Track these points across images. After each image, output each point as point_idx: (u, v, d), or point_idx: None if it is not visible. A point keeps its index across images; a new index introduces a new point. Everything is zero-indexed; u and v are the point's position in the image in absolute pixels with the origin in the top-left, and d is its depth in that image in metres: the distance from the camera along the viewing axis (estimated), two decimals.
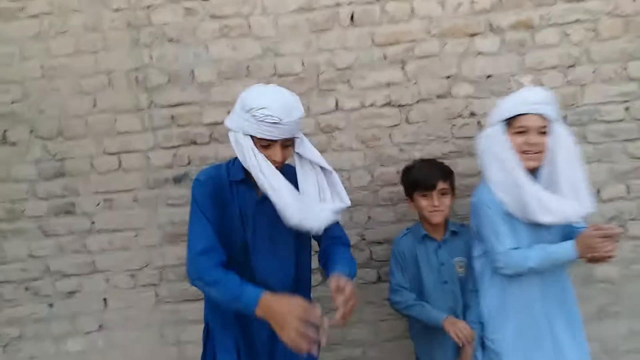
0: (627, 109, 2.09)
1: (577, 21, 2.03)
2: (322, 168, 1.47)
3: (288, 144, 1.40)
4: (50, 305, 2.18)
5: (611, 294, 2.22)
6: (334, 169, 2.01)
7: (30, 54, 2.08)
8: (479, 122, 2.10)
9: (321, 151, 2.05)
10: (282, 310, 1.19)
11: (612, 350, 2.26)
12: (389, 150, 2.13)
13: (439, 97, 2.09)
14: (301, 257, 1.53)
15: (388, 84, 2.09)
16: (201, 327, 1.59)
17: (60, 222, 2.14)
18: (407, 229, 1.91)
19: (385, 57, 2.07)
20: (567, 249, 1.52)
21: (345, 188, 2.01)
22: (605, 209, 2.16)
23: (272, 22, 2.06)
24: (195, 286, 1.36)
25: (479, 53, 2.06)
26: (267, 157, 1.34)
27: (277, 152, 1.35)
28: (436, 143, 2.11)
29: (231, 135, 1.38)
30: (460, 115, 2.10)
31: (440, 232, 1.82)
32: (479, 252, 1.72)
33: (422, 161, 1.87)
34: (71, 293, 2.17)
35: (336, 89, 2.10)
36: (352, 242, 2.07)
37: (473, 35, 2.05)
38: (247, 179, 1.43)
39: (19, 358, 2.18)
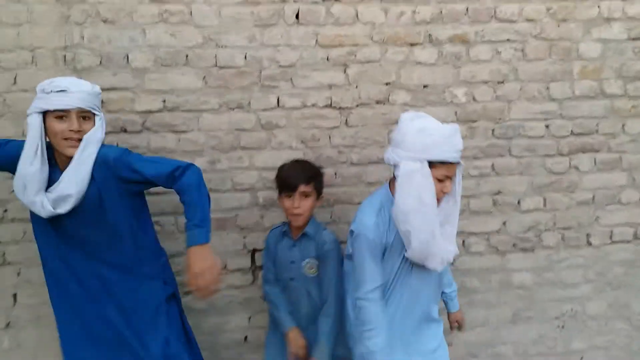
0: (547, 126, 2.33)
1: (507, 40, 2.23)
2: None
3: (85, 115, 1.56)
4: None
5: (525, 299, 2.46)
6: (273, 167, 2.11)
7: None
8: None
9: (261, 148, 2.14)
10: None
11: (523, 353, 2.50)
12: (328, 152, 2.23)
13: (377, 102, 2.21)
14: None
15: (330, 86, 2.18)
16: None
17: None
18: (282, 223, 2.02)
19: (328, 59, 2.16)
20: None
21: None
22: (523, 219, 2.40)
23: (215, 11, 2.07)
24: None
25: (418, 62, 2.21)
26: (62, 131, 1.51)
27: (72, 122, 1.52)
28: (373, 147, 2.23)
29: (29, 120, 1.54)
30: (397, 122, 2.23)
31: (299, 232, 1.92)
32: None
33: (293, 162, 1.96)
34: None
35: (278, 86, 2.16)
36: None
37: (413, 45, 2.19)
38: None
39: None
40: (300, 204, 1.83)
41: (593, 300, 2.49)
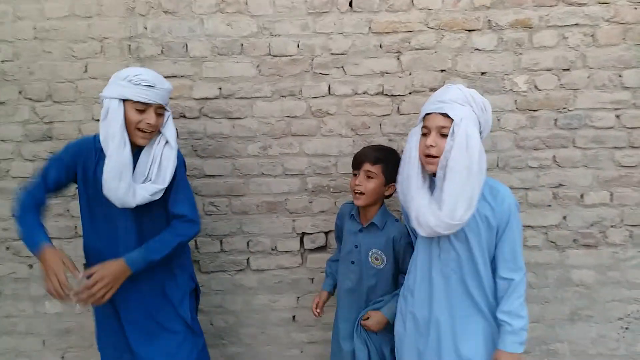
0: (618, 116, 2.29)
1: (576, 25, 2.19)
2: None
3: (160, 112, 1.71)
4: (30, 266, 2.41)
5: (585, 298, 2.48)
6: (323, 154, 2.26)
7: (24, 14, 2.25)
8: None
9: (310, 135, 2.30)
10: (49, 263, 1.54)
11: (582, 353, 2.54)
12: (378, 140, 2.33)
13: (432, 90, 2.27)
14: (146, 231, 1.79)
15: (382, 73, 2.27)
16: None
17: None
18: (352, 201, 2.01)
19: (381, 46, 2.25)
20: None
21: (331, 174, 2.28)
22: (587, 214, 2.40)
23: (270, 1, 2.22)
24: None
25: (475, 49, 2.23)
26: (140, 122, 1.66)
27: (151, 116, 1.67)
28: None
29: (105, 103, 1.65)
30: None
31: (367, 218, 1.95)
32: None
33: (373, 145, 2.05)
34: None
35: (330, 74, 2.28)
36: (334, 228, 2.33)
37: (471, 30, 2.22)
38: None
39: None
40: (363, 183, 1.86)
41: None
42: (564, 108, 2.26)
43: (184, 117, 2.30)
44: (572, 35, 2.19)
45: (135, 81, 1.63)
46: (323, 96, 2.28)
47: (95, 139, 1.73)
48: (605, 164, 2.31)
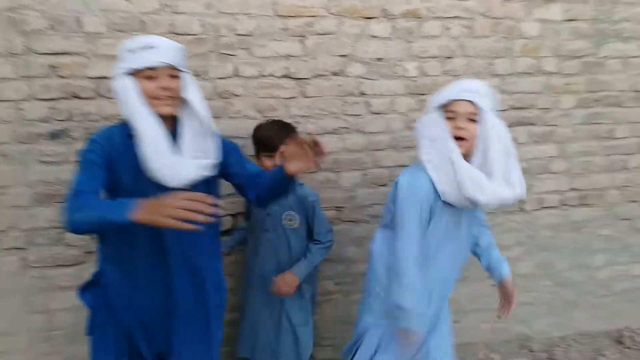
0: None
1: (456, 17, 2.51)
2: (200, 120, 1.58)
3: (175, 74, 1.53)
4: None
5: None
6: (231, 136, 2.30)
7: None
8: (367, 102, 2.51)
9: (217, 117, 2.32)
10: (160, 199, 1.27)
11: (459, 310, 2.91)
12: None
13: (334, 74, 2.44)
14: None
15: (287, 56, 2.37)
16: (72, 293, 1.78)
17: None
18: None
19: (286, 29, 2.36)
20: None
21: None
22: None
23: None
24: (71, 230, 1.39)
25: (373, 36, 2.45)
26: (152, 90, 1.49)
27: (164, 79, 1.49)
28: (328, 118, 2.46)
29: (116, 84, 1.50)
30: (351, 94, 2.49)
31: None
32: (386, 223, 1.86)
33: (272, 122, 2.11)
34: None
35: (236, 55, 2.33)
36: (242, 210, 2.40)
37: (368, 18, 2.42)
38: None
39: None
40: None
41: (523, 260, 2.95)
42: None
43: (78, 97, 2.18)
44: (454, 26, 2.50)
45: (133, 49, 1.49)
46: (229, 77, 2.32)
47: (121, 126, 1.56)
48: None
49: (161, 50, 1.50)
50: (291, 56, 2.34)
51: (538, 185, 2.81)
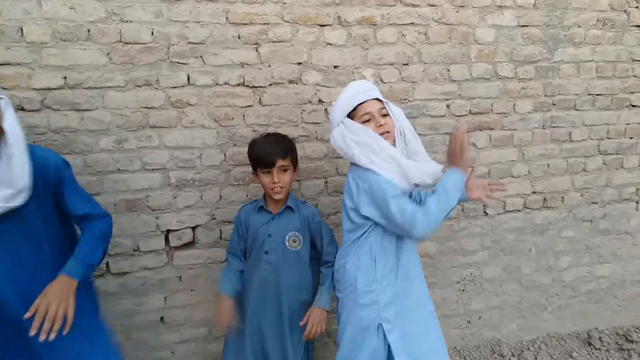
0: (448, 106, 2.71)
1: (412, 24, 2.53)
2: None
3: None
4: None
5: (430, 267, 2.88)
6: (185, 147, 2.27)
7: None
8: (326, 110, 2.50)
9: (171, 127, 2.28)
10: None
11: None
12: (242, 131, 2.41)
13: (290, 82, 2.43)
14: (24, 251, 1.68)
15: (242, 64, 2.35)
16: None
17: None
18: (255, 200, 2.21)
19: (239, 37, 2.34)
20: (455, 176, 1.81)
21: (195, 167, 2.30)
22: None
23: None
24: None
25: (328, 44, 2.45)
26: None
27: None
28: (287, 126, 2.44)
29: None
30: (309, 102, 2.48)
31: (278, 205, 2.09)
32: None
33: (266, 136, 2.08)
34: None
35: (188, 64, 2.29)
36: (202, 222, 2.35)
37: (323, 25, 2.42)
38: None
39: None
40: (280, 179, 1.98)
41: (489, 265, 2.98)
42: (405, 99, 2.60)
43: (22, 109, 2.12)
44: (409, 33, 2.53)
45: None
46: (182, 86, 2.28)
47: None
48: (440, 148, 2.71)
49: None
50: (246, 64, 2.32)
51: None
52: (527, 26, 2.68)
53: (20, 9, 2.04)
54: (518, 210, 2.92)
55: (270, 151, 1.97)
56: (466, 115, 2.69)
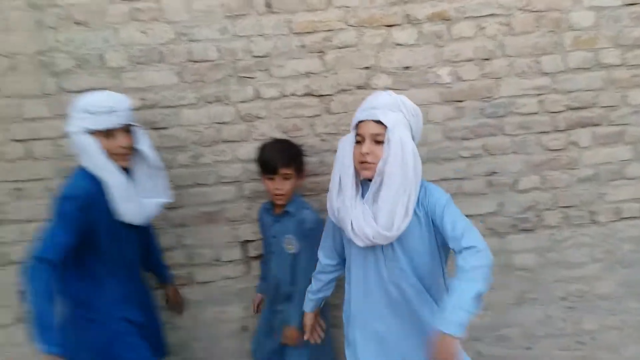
0: (540, 102, 2.44)
1: (491, 15, 2.31)
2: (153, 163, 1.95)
3: (128, 130, 1.82)
4: None
5: (528, 281, 2.63)
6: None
7: None
8: None
9: (242, 140, 2.35)
10: None
11: (531, 335, 2.69)
12: (311, 141, 2.39)
13: (358, 87, 2.37)
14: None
15: (307, 74, 2.33)
16: None
17: None
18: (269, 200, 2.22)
19: (303, 46, 2.33)
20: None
21: None
22: (522, 199, 2.54)
23: (185, 5, 2.25)
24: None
25: (397, 44, 2.33)
26: (113, 148, 1.76)
27: (121, 139, 1.78)
28: None
29: (77, 140, 1.74)
30: None
31: (280, 209, 2.15)
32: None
33: (273, 142, 2.15)
34: None
35: (255, 77, 2.34)
36: None
37: (390, 26, 2.31)
38: None
39: None
40: (281, 186, 2.05)
41: (602, 279, 2.63)
42: (489, 97, 2.39)
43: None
44: (489, 25, 2.31)
45: (93, 110, 1.70)
46: (251, 100, 2.34)
47: (86, 176, 1.79)
48: (534, 149, 2.45)
49: (121, 113, 1.76)
50: (311, 73, 2.31)
51: (612, 193, 2.51)
52: (635, 4, 2.31)
53: (100, 38, 2.24)
54: (635, 217, 2.54)
55: (274, 158, 2.03)
56: (563, 111, 2.40)
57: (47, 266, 1.63)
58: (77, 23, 2.23)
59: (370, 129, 1.57)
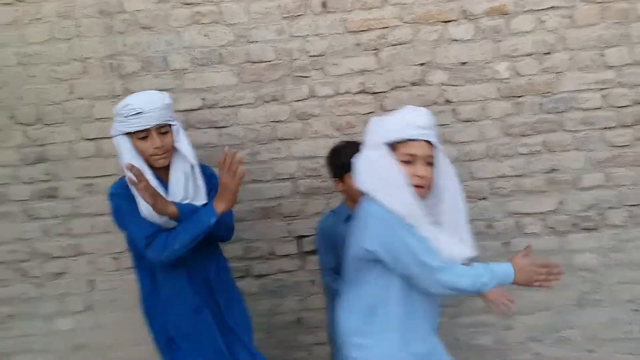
0: (604, 96, 2.37)
1: (552, 8, 2.27)
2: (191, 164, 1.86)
3: (164, 130, 1.78)
4: (39, 285, 2.61)
5: (591, 282, 2.57)
6: (311, 156, 2.40)
7: (5, 41, 2.42)
8: (453, 110, 2.41)
9: (297, 138, 2.44)
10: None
11: (594, 338, 2.63)
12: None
13: (413, 84, 2.39)
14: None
15: (362, 71, 2.38)
16: None
17: (43, 206, 2.55)
18: (332, 211, 2.13)
19: (358, 44, 2.38)
20: (508, 271, 1.49)
21: (321, 175, 2.42)
22: (584, 197, 2.49)
23: (244, 8, 2.36)
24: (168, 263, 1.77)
25: (453, 40, 2.34)
26: (147, 149, 1.75)
27: (155, 139, 1.75)
28: None
29: (116, 142, 1.78)
30: (435, 103, 2.42)
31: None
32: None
33: (347, 144, 2.00)
34: (58, 274, 2.59)
35: (310, 76, 2.41)
36: None
37: (446, 22, 2.32)
38: None
39: (12, 335, 2.61)
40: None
41: None
42: (549, 92, 2.35)
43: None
44: (550, 18, 2.28)
45: (125, 113, 1.73)
46: (306, 98, 2.41)
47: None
48: (597, 145, 2.39)
49: (151, 114, 1.73)
50: (366, 71, 2.36)
51: None
52: None
53: (164, 41, 2.37)
54: None
55: (346, 161, 1.92)
56: (630, 105, 2.33)
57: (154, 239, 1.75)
58: (144, 27, 2.37)
59: (424, 150, 1.49)
